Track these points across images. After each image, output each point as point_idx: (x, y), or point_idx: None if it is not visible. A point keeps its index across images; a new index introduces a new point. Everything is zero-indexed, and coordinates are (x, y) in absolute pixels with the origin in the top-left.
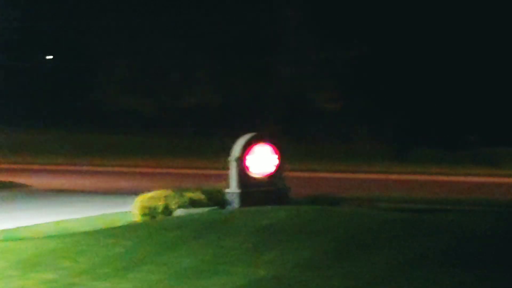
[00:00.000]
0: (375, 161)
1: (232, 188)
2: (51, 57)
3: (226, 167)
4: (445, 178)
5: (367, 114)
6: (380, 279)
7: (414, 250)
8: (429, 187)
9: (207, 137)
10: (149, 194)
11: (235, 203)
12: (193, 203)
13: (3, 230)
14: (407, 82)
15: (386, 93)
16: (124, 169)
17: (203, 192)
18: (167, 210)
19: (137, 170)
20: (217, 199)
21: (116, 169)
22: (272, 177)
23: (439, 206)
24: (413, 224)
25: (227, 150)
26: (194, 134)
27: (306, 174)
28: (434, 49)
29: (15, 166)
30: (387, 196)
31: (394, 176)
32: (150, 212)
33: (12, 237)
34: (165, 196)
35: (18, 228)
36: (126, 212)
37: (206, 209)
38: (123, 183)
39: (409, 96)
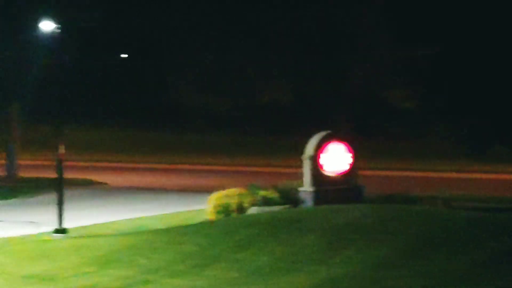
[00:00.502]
0: (451, 159)
1: (306, 187)
2: (125, 56)
3: (299, 165)
4: None
5: (443, 112)
6: (456, 278)
7: (490, 250)
8: (505, 186)
9: (280, 135)
10: (223, 192)
11: (309, 202)
12: (267, 201)
13: (80, 227)
14: (484, 79)
15: (462, 91)
16: (198, 167)
17: (277, 190)
18: (240, 208)
19: (211, 168)
20: (290, 198)
21: (190, 167)
22: (345, 175)
23: None
24: (489, 224)
25: (300, 148)
26: (267, 132)
27: (380, 173)
28: None
29: (92, 164)
30: (462, 195)
31: (469, 175)
32: (223, 210)
33: (88, 233)
34: (239, 194)
35: (94, 225)
36: (200, 209)
37: (279, 208)
38: (197, 181)
39: (486, 94)
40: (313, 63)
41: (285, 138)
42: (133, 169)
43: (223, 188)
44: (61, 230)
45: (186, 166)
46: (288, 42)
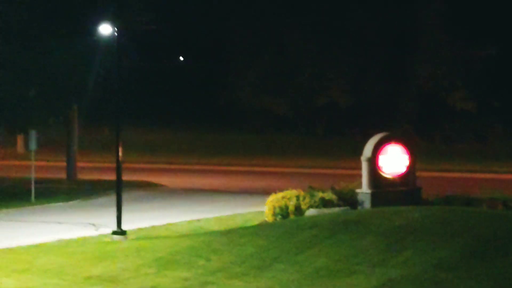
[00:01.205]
0: (510, 160)
1: (364, 188)
2: (183, 58)
3: (358, 167)
4: None
5: (503, 113)
6: None
7: None
8: None
9: (338, 137)
10: (281, 194)
11: (367, 203)
12: (324, 203)
13: (139, 229)
14: None
15: None
16: (256, 169)
17: (334, 192)
18: (298, 210)
19: (269, 169)
20: (348, 199)
21: (249, 168)
22: (403, 177)
23: None
24: None
25: (358, 150)
26: (326, 133)
27: (440, 174)
28: None
29: (150, 166)
30: None
31: None
32: (281, 212)
33: (147, 235)
34: (297, 196)
35: (153, 226)
36: (258, 211)
37: (337, 209)
38: (256, 183)
39: None
40: (373, 65)
41: (343, 139)
42: (192, 171)
43: (282, 189)
44: (120, 232)
45: (245, 168)
46: (347, 43)
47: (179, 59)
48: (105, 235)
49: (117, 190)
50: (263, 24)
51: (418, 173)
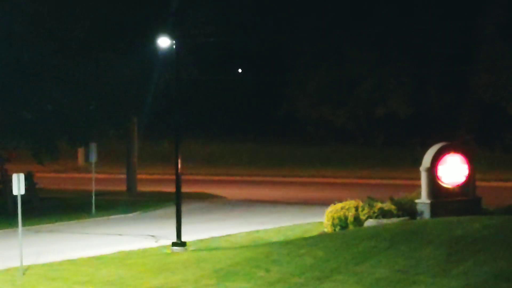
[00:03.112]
0: None
1: (423, 198)
2: (240, 70)
3: (417, 178)
4: None
5: None
6: None
7: None
8: None
9: (398, 147)
10: (340, 205)
11: (426, 214)
12: (383, 214)
13: (198, 240)
14: None
15: None
16: (315, 180)
17: (393, 202)
18: (357, 221)
19: (328, 180)
20: (407, 210)
21: (308, 179)
22: (463, 187)
23: None
24: None
25: (418, 160)
26: (385, 144)
27: (500, 184)
28: None
29: (210, 178)
30: None
31: None
32: (340, 223)
33: (206, 247)
34: (356, 207)
35: (212, 238)
36: (317, 222)
37: (396, 220)
38: (315, 194)
39: None
40: (432, 75)
41: (403, 150)
42: (251, 182)
43: (341, 200)
44: (179, 243)
45: (304, 179)
46: (406, 53)
47: (238, 71)
48: (165, 247)
49: (176, 202)
50: (322, 35)
51: (479, 183)
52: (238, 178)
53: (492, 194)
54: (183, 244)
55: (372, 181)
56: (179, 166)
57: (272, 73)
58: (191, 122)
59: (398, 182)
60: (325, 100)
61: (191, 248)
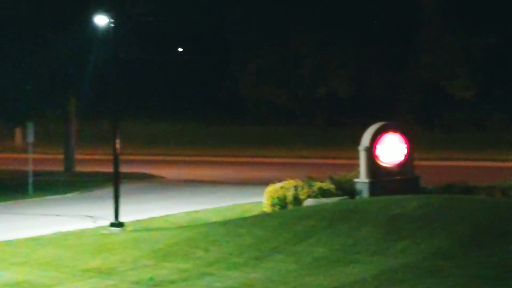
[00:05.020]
0: (510, 149)
1: (362, 178)
2: (181, 49)
3: (356, 157)
4: None
5: (502, 101)
6: None
7: None
8: None
9: (339, 127)
10: (279, 184)
11: (365, 193)
12: (323, 193)
13: (137, 221)
14: None
15: None
16: (256, 159)
17: (333, 182)
18: (296, 200)
19: (269, 160)
20: (346, 189)
21: (248, 159)
22: (401, 166)
23: None
24: None
25: (358, 140)
26: (326, 124)
27: (439, 163)
28: None
29: (150, 158)
30: None
31: None
32: (279, 202)
33: (145, 227)
34: (295, 186)
35: (151, 218)
36: (257, 202)
37: (335, 199)
38: (255, 173)
39: None
40: (373, 55)
41: (343, 130)
42: (191, 163)
43: (281, 180)
44: (117, 224)
45: (244, 159)
46: (348, 34)
47: (178, 51)
48: (103, 227)
49: (114, 182)
50: (264, 15)
51: (418, 162)
52: (178, 158)
53: (431, 173)
54: (121, 224)
55: (313, 161)
56: (117, 146)
57: (214, 52)
58: (132, 102)
59: (338, 161)
60: (267, 80)
61: (129, 228)
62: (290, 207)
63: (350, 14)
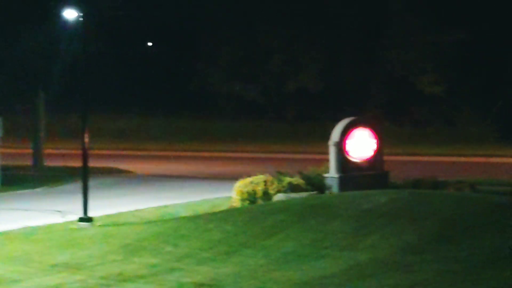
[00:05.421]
0: (479, 144)
1: (331, 173)
2: (150, 44)
3: (326, 152)
4: None
5: (471, 97)
6: (484, 263)
7: None
8: None
9: (308, 122)
10: (249, 179)
11: (334, 188)
12: (292, 188)
13: (105, 216)
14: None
15: (490, 76)
16: (226, 154)
17: (303, 176)
18: (266, 195)
19: (239, 155)
20: (316, 184)
21: (218, 154)
22: (371, 161)
23: None
24: None
25: (328, 135)
26: (296, 119)
27: (408, 158)
28: None
29: (119, 153)
30: (489, 179)
31: (497, 159)
32: (249, 197)
33: (114, 222)
34: (265, 181)
35: (120, 213)
36: (226, 197)
37: (305, 194)
38: (225, 168)
39: None
40: (343, 50)
41: (313, 124)
42: (161, 157)
43: (251, 175)
44: (86, 219)
45: (214, 154)
46: (317, 29)
47: (147, 45)
48: (71, 222)
49: (83, 177)
50: (234, 10)
51: (387, 157)
52: (148, 153)
53: (401, 168)
54: (89, 219)
55: (283, 156)
56: (86, 140)
57: (183, 47)
58: (102, 96)
59: (309, 156)
60: (236, 75)
61: (98, 223)
62: (259, 202)
63: (319, 8)
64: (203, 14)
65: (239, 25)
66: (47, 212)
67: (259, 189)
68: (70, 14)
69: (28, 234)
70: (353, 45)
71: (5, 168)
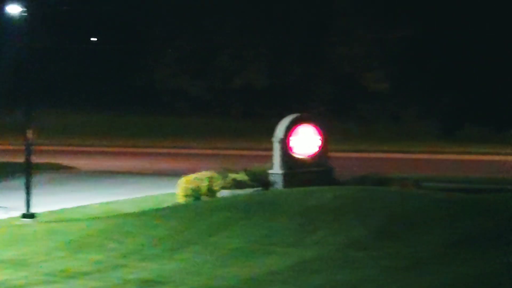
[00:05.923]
0: (424, 140)
1: (276, 169)
2: (95, 39)
3: (272, 148)
4: (492, 157)
5: (416, 94)
6: (429, 259)
7: (462, 230)
8: (475, 167)
9: (255, 118)
10: (193, 176)
11: (279, 184)
12: (237, 184)
13: (49, 212)
14: (456, 62)
15: (435, 73)
16: (171, 150)
17: (247, 173)
18: (210, 192)
19: (184, 151)
20: (261, 180)
21: (163, 150)
22: (315, 157)
23: (486, 186)
24: (459, 204)
25: (273, 132)
26: (242, 115)
27: (354, 155)
28: (485, 27)
29: (64, 149)
30: (433, 176)
31: (441, 156)
32: (193, 193)
33: (57, 218)
34: (209, 177)
35: (64, 209)
36: (172, 193)
37: (250, 190)
38: (169, 165)
39: (458, 76)
40: (289, 46)
41: (259, 121)
42: (106, 153)
43: (196, 171)
44: (29, 215)
45: (159, 150)
46: (264, 25)
47: (92, 40)
48: (15, 218)
49: (26, 173)
50: (181, 5)
51: (333, 154)
52: (92, 149)
53: (347, 165)
54: (33, 215)
55: (229, 152)
56: (30, 135)
57: (129, 42)
58: (46, 92)
59: (254, 153)
60: (182, 70)
61: (42, 219)
62: (204, 198)
63: (266, 4)
64: (151, 9)
65: (186, 21)
66: None
67: (204, 185)
68: (14, 9)
69: None
70: (300, 42)
71: None
